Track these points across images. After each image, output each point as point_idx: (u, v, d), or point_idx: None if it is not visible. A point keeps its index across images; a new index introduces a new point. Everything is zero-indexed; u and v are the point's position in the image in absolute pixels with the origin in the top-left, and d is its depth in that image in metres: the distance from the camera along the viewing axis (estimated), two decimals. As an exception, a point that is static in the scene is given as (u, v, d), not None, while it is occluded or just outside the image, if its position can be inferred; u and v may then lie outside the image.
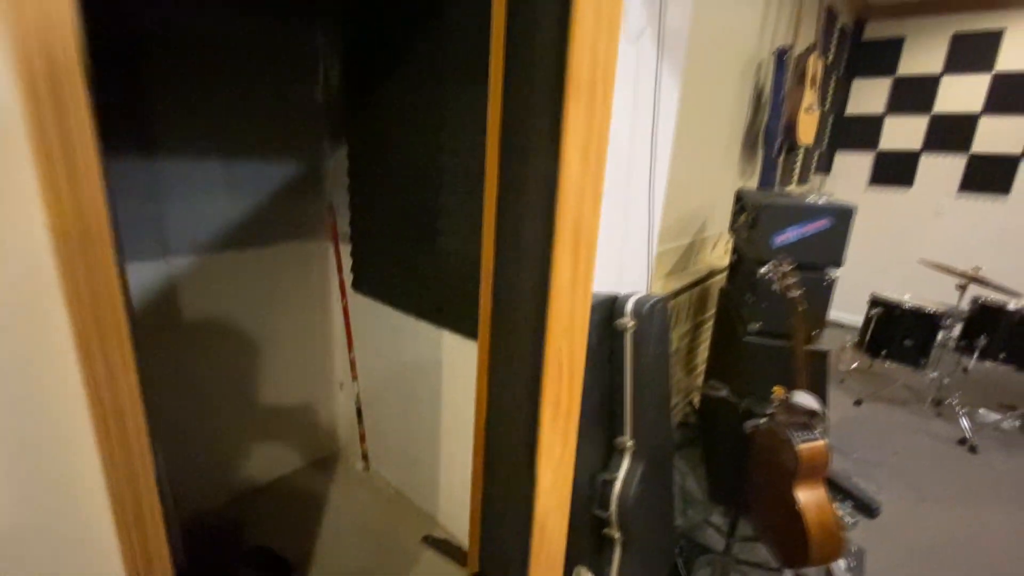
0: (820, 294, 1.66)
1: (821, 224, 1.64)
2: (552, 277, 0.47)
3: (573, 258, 0.48)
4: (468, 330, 1.55)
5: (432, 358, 1.75)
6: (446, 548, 1.79)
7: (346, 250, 2.01)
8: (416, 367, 1.83)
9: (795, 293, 1.44)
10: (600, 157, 0.47)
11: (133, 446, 0.68)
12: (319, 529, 1.88)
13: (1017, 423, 2.81)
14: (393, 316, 1.86)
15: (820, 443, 1.47)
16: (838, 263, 1.66)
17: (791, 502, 1.50)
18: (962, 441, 2.65)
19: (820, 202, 1.69)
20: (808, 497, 1.50)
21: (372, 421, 2.14)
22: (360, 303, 2.01)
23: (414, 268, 1.68)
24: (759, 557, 1.81)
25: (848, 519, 2.03)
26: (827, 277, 1.65)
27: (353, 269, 1.96)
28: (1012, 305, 2.77)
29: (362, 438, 2.19)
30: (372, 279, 1.89)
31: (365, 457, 2.21)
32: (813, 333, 1.72)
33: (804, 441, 1.46)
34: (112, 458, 0.66)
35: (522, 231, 0.62)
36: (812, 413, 1.51)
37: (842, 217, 1.62)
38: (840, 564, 1.73)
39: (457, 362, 1.64)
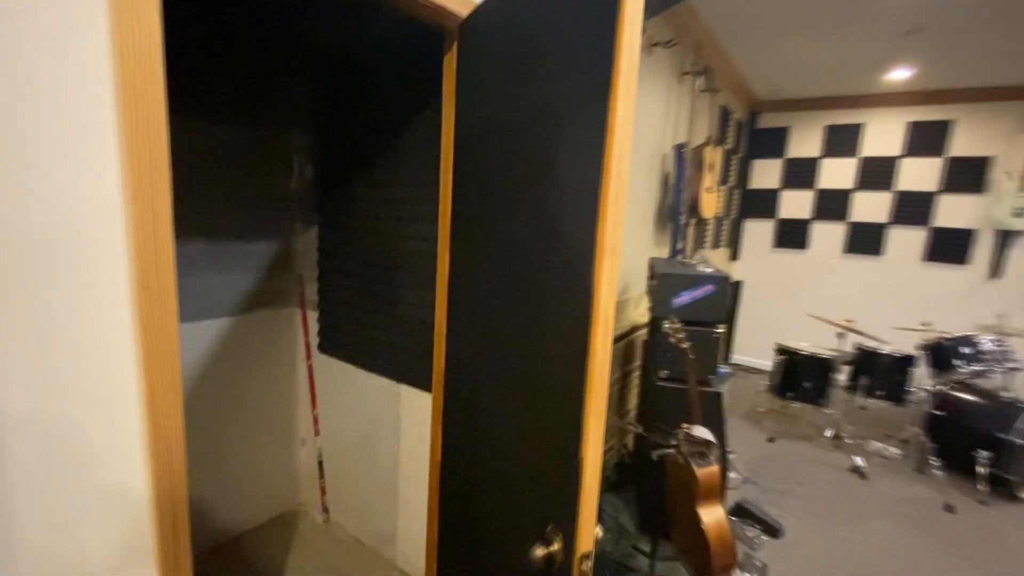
0: (710, 346, 2.06)
1: (707, 289, 2.06)
2: (591, 346, 0.82)
3: (604, 334, 0.83)
4: (423, 384, 1.82)
5: (391, 410, 1.99)
6: (404, 588, 1.96)
7: (312, 316, 2.25)
8: (376, 420, 2.06)
9: (685, 345, 1.82)
10: (616, 282, 0.83)
11: (176, 471, 0.91)
12: (304, 567, 2.00)
13: (899, 451, 3.29)
14: (356, 374, 2.10)
15: (714, 468, 1.80)
16: (723, 320, 2.07)
17: (696, 519, 1.80)
18: (854, 469, 3.08)
19: (707, 271, 2.12)
20: (708, 514, 1.81)
21: (333, 474, 2.30)
22: (325, 363, 2.23)
23: (377, 332, 1.95)
24: (678, 574, 2.08)
25: (758, 539, 2.35)
26: (715, 332, 2.06)
27: (320, 333, 2.20)
28: (885, 350, 3.32)
29: (323, 491, 2.34)
30: (338, 341, 2.14)
31: (326, 509, 2.35)
32: (708, 377, 2.10)
33: (701, 467, 1.79)
34: (160, 481, 0.89)
35: (547, 317, 0.98)
36: (708, 443, 1.85)
37: (722, 283, 2.05)
38: (745, 577, 2.03)
39: (415, 412, 1.89)
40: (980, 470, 2.83)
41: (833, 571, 2.20)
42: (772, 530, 2.41)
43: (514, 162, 1.12)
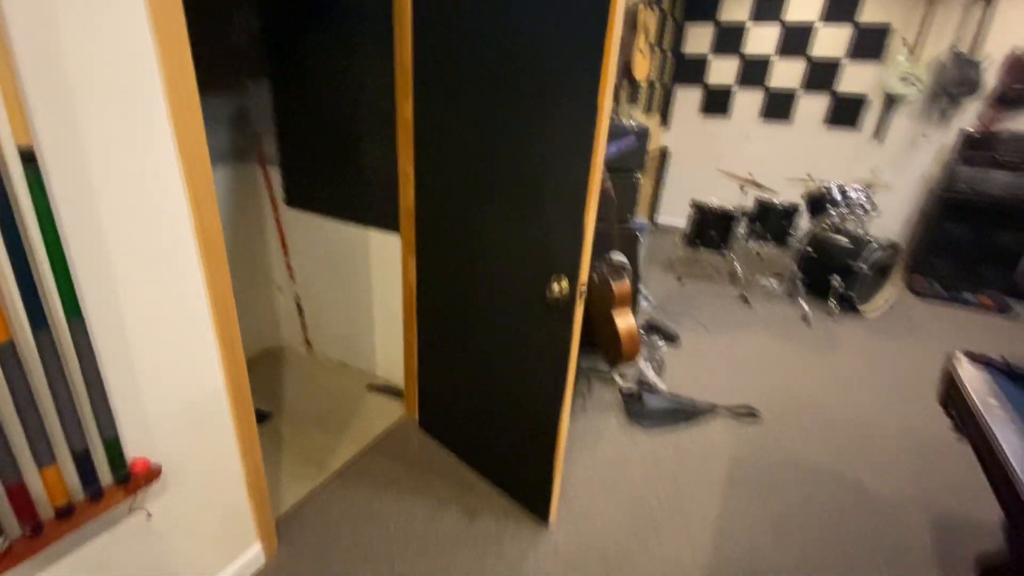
0: (631, 189, 2.46)
1: (630, 141, 2.40)
2: (595, 144, 1.19)
3: (600, 143, 1.22)
4: (390, 225, 2.11)
5: (361, 250, 2.30)
6: (386, 389, 2.45)
7: (274, 172, 2.41)
8: (348, 261, 2.37)
9: (608, 186, 2.20)
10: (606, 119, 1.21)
11: (224, 280, 1.21)
12: (282, 392, 2.43)
13: (777, 283, 4.06)
14: (325, 223, 2.35)
15: (626, 283, 2.31)
16: (642, 168, 2.45)
17: (611, 321, 2.35)
18: (742, 297, 3.82)
19: (631, 124, 2.45)
20: (621, 318, 2.35)
21: (311, 312, 2.65)
22: (293, 216, 2.45)
23: (342, 183, 2.18)
24: (599, 366, 2.71)
25: (660, 344, 3.01)
26: (634, 177, 2.45)
27: (286, 188, 2.39)
28: (777, 201, 3.91)
29: (304, 328, 2.71)
30: (304, 195, 2.35)
31: (308, 342, 2.74)
32: (628, 216, 2.53)
33: (617, 282, 2.29)
34: (215, 291, 1.19)
35: (548, 172, 1.35)
36: (623, 265, 2.34)
37: (642, 136, 2.39)
38: (647, 366, 2.68)
39: (383, 249, 2.21)
40: (832, 293, 3.63)
41: (715, 364, 2.92)
42: (671, 337, 3.08)
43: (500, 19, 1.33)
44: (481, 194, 1.56)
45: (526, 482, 1.79)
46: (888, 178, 4.66)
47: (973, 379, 1.39)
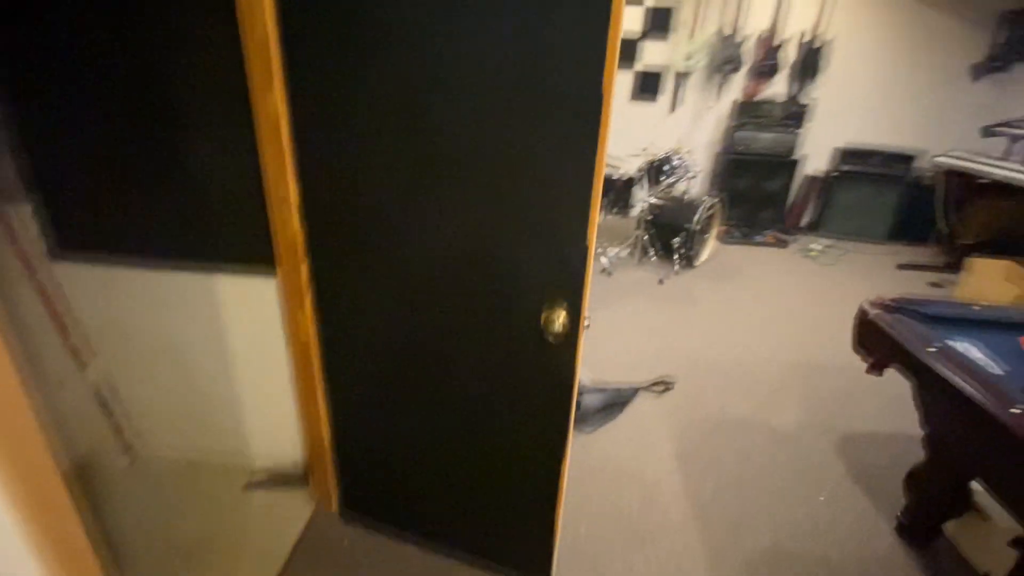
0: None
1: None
2: (599, 143, 0.96)
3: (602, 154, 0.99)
4: (257, 265, 1.51)
5: (205, 308, 1.63)
6: (276, 480, 1.84)
7: (20, 212, 1.54)
8: (184, 324, 1.67)
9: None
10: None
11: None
12: (110, 531, 1.63)
13: (628, 251, 4.36)
14: (131, 277, 1.60)
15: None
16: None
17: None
18: (603, 271, 3.99)
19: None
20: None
21: (131, 405, 1.84)
22: (69, 274, 1.62)
23: (160, 210, 1.48)
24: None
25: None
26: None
27: (47, 231, 1.54)
28: (616, 176, 4.13)
29: (118, 429, 1.87)
30: (86, 238, 1.55)
31: (129, 446, 1.91)
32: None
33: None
34: None
35: (530, 174, 1.07)
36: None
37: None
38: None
39: (246, 301, 1.59)
40: (675, 252, 4.02)
41: (606, 341, 2.96)
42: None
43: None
44: (422, 209, 1.17)
45: (516, 541, 1.50)
46: (686, 145, 5.34)
47: (896, 326, 1.56)
